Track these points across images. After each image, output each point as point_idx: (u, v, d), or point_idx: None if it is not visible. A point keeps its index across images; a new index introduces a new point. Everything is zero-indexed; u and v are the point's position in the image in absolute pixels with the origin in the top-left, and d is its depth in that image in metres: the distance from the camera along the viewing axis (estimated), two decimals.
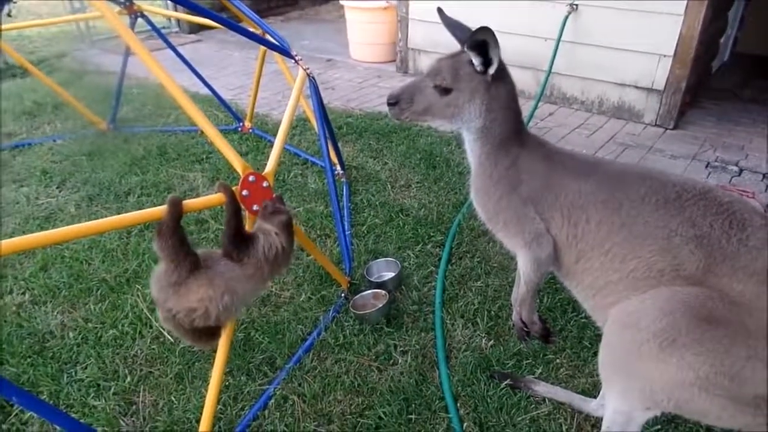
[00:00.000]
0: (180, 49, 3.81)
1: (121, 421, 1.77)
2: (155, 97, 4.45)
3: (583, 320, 2.10)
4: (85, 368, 1.95)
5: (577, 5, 4.03)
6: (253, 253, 1.44)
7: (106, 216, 2.17)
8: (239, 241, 1.44)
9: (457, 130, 1.59)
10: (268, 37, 2.64)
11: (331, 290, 2.32)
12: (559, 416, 1.77)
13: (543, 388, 1.84)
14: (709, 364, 1.16)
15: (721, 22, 4.63)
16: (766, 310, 1.17)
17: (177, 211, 1.33)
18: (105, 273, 2.40)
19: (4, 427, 1.74)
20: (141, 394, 1.86)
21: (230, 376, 1.92)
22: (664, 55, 3.84)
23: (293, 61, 2.56)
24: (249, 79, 4.78)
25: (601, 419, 1.47)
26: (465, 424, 1.74)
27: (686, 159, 3.58)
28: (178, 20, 6.69)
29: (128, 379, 1.91)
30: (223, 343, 1.63)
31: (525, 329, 1.70)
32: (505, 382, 1.86)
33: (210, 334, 1.45)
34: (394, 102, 1.54)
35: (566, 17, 4.03)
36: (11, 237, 1.18)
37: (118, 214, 1.54)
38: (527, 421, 1.74)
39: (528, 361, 1.96)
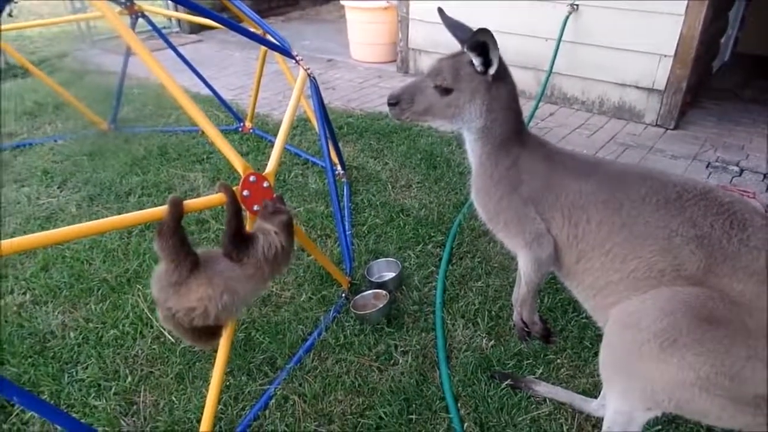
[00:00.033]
0: (181, 50, 3.81)
1: (122, 421, 1.77)
2: (156, 97, 4.46)
3: (583, 320, 2.10)
4: (86, 368, 1.95)
5: (577, 5, 4.03)
6: (252, 253, 1.44)
7: (107, 216, 2.17)
8: (239, 241, 1.44)
9: (457, 130, 1.59)
10: (269, 38, 2.64)
11: (332, 290, 2.32)
12: (559, 416, 1.77)
13: (544, 389, 1.84)
14: (710, 364, 1.16)
15: (722, 22, 4.62)
16: (767, 310, 1.17)
17: (178, 211, 1.34)
18: (106, 273, 2.41)
19: (5, 426, 1.74)
20: (142, 394, 1.86)
21: (231, 376, 1.92)
22: (665, 55, 3.84)
23: (294, 61, 2.56)
24: (250, 79, 4.78)
25: (602, 419, 1.47)
26: (466, 425, 1.74)
27: (687, 159, 3.58)
28: (179, 20, 6.70)
29: (129, 379, 1.91)
30: (223, 343, 1.63)
31: (526, 329, 1.70)
32: (506, 383, 1.86)
33: (210, 333, 1.45)
34: (394, 102, 1.54)
35: (567, 17, 4.03)
36: (12, 237, 1.18)
37: (119, 214, 1.54)
38: (528, 422, 1.74)
39: (529, 362, 1.96)
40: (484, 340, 2.06)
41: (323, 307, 2.24)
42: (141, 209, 2.03)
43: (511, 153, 1.53)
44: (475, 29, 1.40)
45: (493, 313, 2.18)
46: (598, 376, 1.45)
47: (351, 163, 3.40)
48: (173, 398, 1.84)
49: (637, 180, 1.40)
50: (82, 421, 1.74)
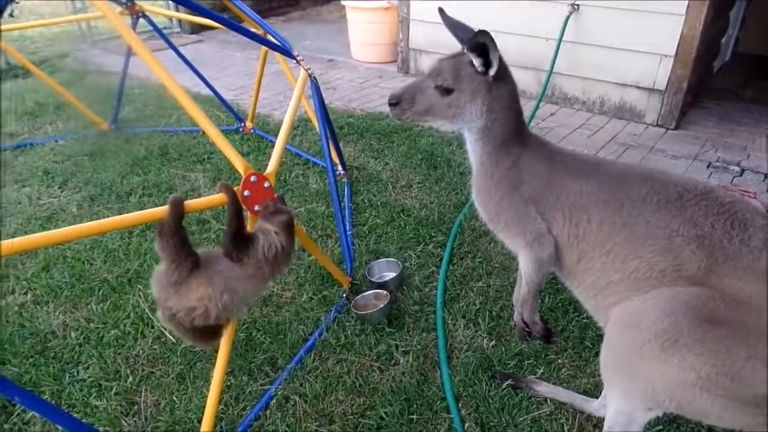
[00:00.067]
0: (181, 50, 3.82)
1: (123, 421, 1.77)
2: (157, 97, 4.46)
3: (584, 320, 2.10)
4: (87, 368, 1.95)
5: (578, 5, 4.03)
6: (253, 253, 1.44)
7: (107, 216, 2.18)
8: (240, 241, 1.44)
9: (458, 130, 1.59)
10: (270, 38, 2.64)
11: (333, 290, 2.32)
12: (560, 416, 1.77)
13: (545, 389, 1.84)
14: (711, 364, 1.16)
15: (723, 22, 4.62)
16: (767, 310, 1.17)
17: (178, 211, 1.34)
18: (107, 273, 2.41)
19: (6, 426, 1.74)
20: (143, 394, 1.87)
21: (232, 376, 1.92)
22: (666, 55, 3.84)
23: (295, 61, 2.56)
24: (250, 79, 4.78)
25: (603, 419, 1.47)
26: (466, 425, 1.73)
27: (688, 159, 3.57)
28: (180, 20, 6.71)
29: (130, 379, 1.91)
30: (224, 343, 1.63)
31: (526, 329, 1.70)
32: (507, 383, 1.86)
33: (211, 333, 1.45)
34: (395, 102, 1.55)
35: (567, 17, 4.03)
36: (13, 237, 1.18)
37: (120, 214, 1.55)
38: (529, 422, 1.74)
39: (530, 362, 1.96)
40: (485, 340, 2.06)
41: (324, 307, 2.24)
42: (142, 209, 2.03)
43: (512, 153, 1.53)
44: (475, 30, 1.40)
45: (494, 313, 2.18)
46: (599, 376, 1.45)
47: (352, 164, 3.40)
48: (174, 398, 1.84)
49: (638, 180, 1.40)
50: (83, 421, 1.74)
